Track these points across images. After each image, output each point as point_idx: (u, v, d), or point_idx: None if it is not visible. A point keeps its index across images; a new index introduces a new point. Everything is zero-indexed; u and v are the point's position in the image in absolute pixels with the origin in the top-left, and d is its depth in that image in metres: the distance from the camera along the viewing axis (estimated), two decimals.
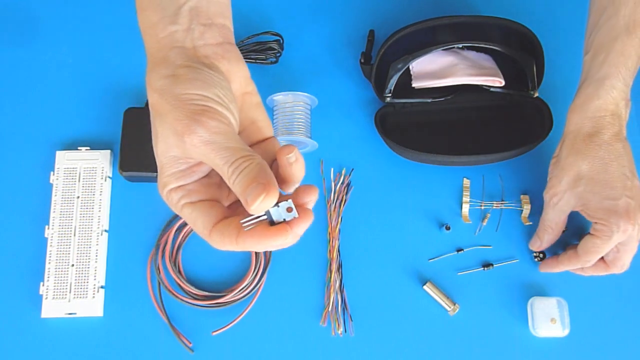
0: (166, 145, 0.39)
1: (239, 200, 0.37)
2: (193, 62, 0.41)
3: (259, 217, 0.37)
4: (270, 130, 0.43)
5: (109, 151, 0.65)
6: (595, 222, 0.56)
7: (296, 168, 0.38)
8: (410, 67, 0.66)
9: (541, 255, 0.63)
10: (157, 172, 0.64)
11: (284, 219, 0.36)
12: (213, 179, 0.41)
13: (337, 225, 0.64)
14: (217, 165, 0.37)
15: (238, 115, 0.40)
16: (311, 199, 0.38)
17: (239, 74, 0.42)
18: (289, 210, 0.36)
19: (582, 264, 0.59)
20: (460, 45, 0.66)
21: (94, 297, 0.61)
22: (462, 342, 0.61)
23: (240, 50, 0.67)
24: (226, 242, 0.38)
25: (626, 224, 0.54)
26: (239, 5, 0.71)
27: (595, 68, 0.56)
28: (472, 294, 0.62)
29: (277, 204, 0.36)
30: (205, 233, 0.39)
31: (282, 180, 0.39)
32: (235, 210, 0.41)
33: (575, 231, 0.64)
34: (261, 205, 0.35)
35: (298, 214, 0.36)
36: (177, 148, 0.39)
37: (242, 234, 0.37)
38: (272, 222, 0.37)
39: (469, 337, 0.61)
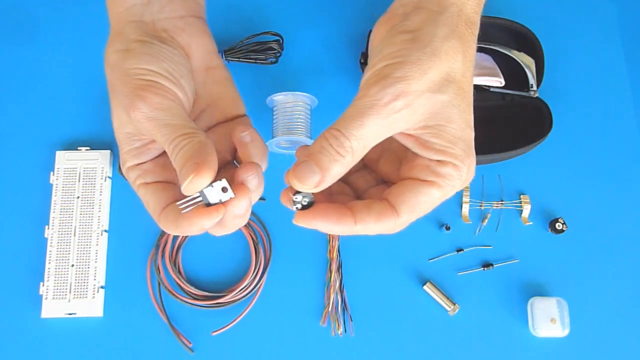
0: (120, 121, 0.39)
1: None
2: (146, 37, 0.39)
3: (194, 198, 0.35)
4: (240, 108, 0.41)
5: (109, 151, 0.65)
6: (442, 162, 0.36)
7: (252, 148, 0.36)
8: None
9: (306, 200, 0.37)
10: None
11: (220, 200, 0.34)
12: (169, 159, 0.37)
13: None
14: (161, 143, 0.36)
15: (192, 91, 0.39)
16: (249, 176, 0.35)
17: (200, 48, 0.40)
18: (224, 190, 0.34)
19: (396, 226, 0.37)
20: None
21: (94, 297, 0.61)
22: (462, 342, 0.61)
23: (240, 50, 0.67)
24: (170, 227, 0.36)
25: (469, 168, 0.36)
26: (239, 5, 0.72)
27: None
28: (472, 294, 0.62)
29: (211, 184, 0.34)
30: (155, 216, 0.38)
31: (240, 163, 0.36)
32: None
33: None
34: (190, 185, 0.33)
35: (235, 193, 0.34)
36: (129, 125, 0.38)
37: (179, 217, 0.35)
38: (208, 204, 0.35)
39: (469, 337, 0.61)
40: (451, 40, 0.35)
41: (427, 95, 0.34)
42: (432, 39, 0.35)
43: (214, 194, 0.34)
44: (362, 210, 0.36)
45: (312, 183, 0.35)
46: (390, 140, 0.37)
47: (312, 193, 0.36)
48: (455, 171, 0.36)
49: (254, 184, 0.36)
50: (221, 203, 0.34)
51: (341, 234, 0.40)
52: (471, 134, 0.36)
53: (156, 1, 0.40)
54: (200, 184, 0.33)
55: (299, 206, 0.36)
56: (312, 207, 0.36)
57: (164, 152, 0.39)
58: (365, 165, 0.41)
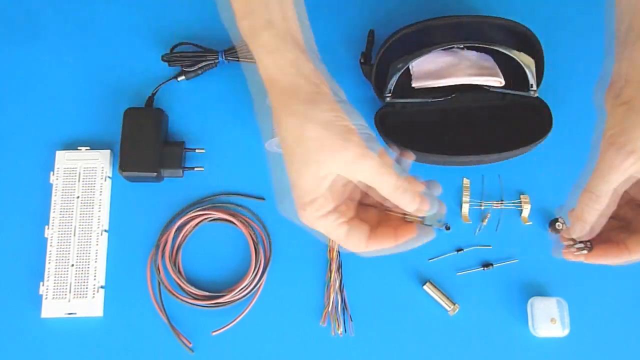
0: (318, 168, 0.41)
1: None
2: (336, 94, 0.45)
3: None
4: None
5: (109, 151, 0.65)
6: None
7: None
8: (410, 67, 0.66)
9: (589, 244, 0.46)
10: (156, 171, 0.64)
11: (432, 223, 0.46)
12: (346, 194, 0.45)
13: None
14: (379, 183, 0.42)
15: None
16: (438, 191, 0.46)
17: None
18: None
19: (631, 259, 0.45)
20: (461, 45, 0.66)
21: (94, 297, 0.61)
22: (462, 342, 0.61)
23: (240, 50, 0.67)
24: (386, 248, 0.45)
25: None
26: None
27: None
28: (472, 294, 0.62)
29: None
30: (361, 246, 0.44)
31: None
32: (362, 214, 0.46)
33: None
34: (424, 214, 0.44)
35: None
36: (332, 171, 0.42)
37: (399, 235, 0.45)
38: (426, 224, 0.46)
39: (469, 337, 0.61)
40: None
41: None
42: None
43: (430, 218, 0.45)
44: (634, 243, 0.44)
45: (585, 234, 0.45)
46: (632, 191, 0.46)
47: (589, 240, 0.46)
48: None
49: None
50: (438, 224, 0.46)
51: (618, 264, 0.46)
52: None
53: (307, 51, 0.45)
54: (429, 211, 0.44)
55: (586, 251, 0.46)
56: (593, 249, 0.46)
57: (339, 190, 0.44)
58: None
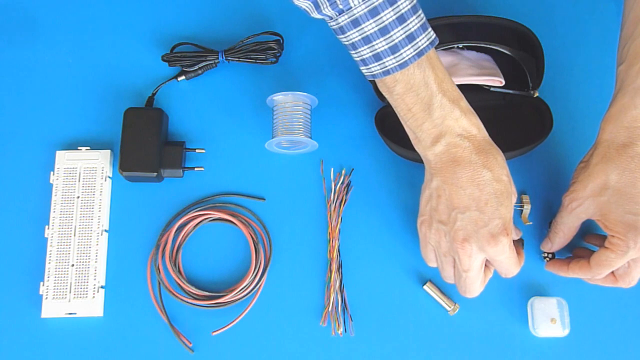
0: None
1: None
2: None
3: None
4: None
5: (109, 151, 0.65)
6: (612, 236, 0.55)
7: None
8: None
9: (550, 255, 0.63)
10: (156, 171, 0.64)
11: None
12: None
13: (337, 225, 0.64)
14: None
15: None
16: None
17: None
18: None
19: (592, 275, 0.58)
20: (461, 45, 0.66)
21: (94, 297, 0.61)
22: (462, 342, 0.61)
23: (240, 50, 0.67)
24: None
25: (634, 240, 0.54)
26: (239, 5, 0.72)
27: (630, 78, 0.55)
28: None
29: None
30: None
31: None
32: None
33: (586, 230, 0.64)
34: None
35: None
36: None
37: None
38: None
39: (469, 337, 0.61)
40: (599, 165, 0.56)
41: (591, 199, 0.56)
42: (588, 165, 0.57)
43: None
44: (574, 265, 0.60)
45: (548, 249, 0.63)
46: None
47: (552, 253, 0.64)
48: (620, 242, 0.54)
49: None
50: None
51: (570, 277, 0.61)
52: (634, 218, 0.53)
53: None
54: None
55: (547, 260, 0.64)
56: (551, 260, 0.64)
57: None
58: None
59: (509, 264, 0.55)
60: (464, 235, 0.53)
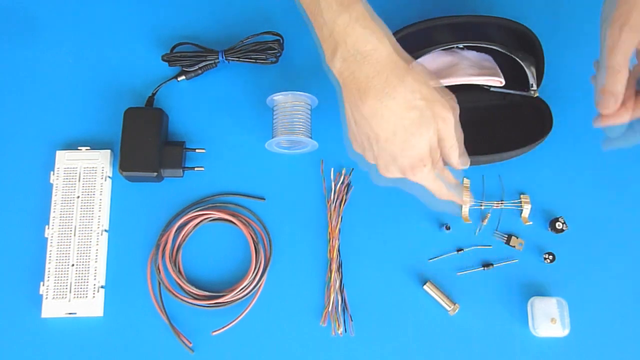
0: None
1: None
2: None
3: None
4: None
5: (109, 151, 0.65)
6: None
7: None
8: None
9: (551, 257, 0.62)
10: (156, 171, 0.64)
11: None
12: None
13: (337, 225, 0.64)
14: None
15: None
16: None
17: None
18: None
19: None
20: (461, 45, 0.66)
21: (94, 297, 0.61)
22: (462, 342, 0.61)
23: (240, 50, 0.67)
24: None
25: None
26: (239, 5, 0.72)
27: None
28: (472, 294, 0.62)
29: None
30: None
31: None
32: None
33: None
34: None
35: None
36: None
37: None
38: None
39: (469, 337, 0.61)
40: None
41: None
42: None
43: None
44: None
45: (609, 108, 0.54)
46: None
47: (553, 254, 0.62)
48: None
49: None
50: None
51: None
52: None
53: None
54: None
55: (549, 259, 0.62)
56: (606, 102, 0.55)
57: None
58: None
59: (434, 190, 0.52)
60: (383, 164, 0.51)
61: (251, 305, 0.61)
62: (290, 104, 0.63)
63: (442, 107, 0.48)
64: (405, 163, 0.49)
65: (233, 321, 0.61)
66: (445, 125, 0.49)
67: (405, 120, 0.47)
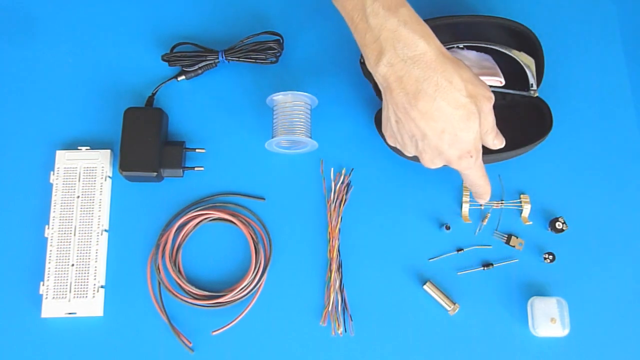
0: None
1: None
2: None
3: None
4: None
5: (109, 151, 0.65)
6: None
7: None
8: None
9: (551, 257, 0.63)
10: (156, 171, 0.64)
11: None
12: None
13: (337, 225, 0.64)
14: None
15: None
16: None
17: None
18: None
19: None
20: (461, 45, 0.66)
21: (94, 297, 0.61)
22: (462, 342, 0.61)
23: (240, 50, 0.67)
24: None
25: None
26: (239, 5, 0.72)
27: None
28: (472, 293, 0.62)
29: None
30: None
31: None
32: None
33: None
34: None
35: None
36: None
37: None
38: None
39: (469, 337, 0.61)
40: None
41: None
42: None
43: None
44: None
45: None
46: None
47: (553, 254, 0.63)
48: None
49: None
50: None
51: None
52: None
53: None
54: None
55: (549, 259, 0.63)
56: None
57: None
58: None
59: (476, 177, 0.55)
60: (429, 158, 0.53)
61: (251, 305, 0.61)
62: (290, 104, 0.63)
63: (484, 100, 0.50)
64: (452, 155, 0.51)
65: (233, 321, 0.61)
66: (486, 115, 0.51)
67: (454, 118, 0.49)
